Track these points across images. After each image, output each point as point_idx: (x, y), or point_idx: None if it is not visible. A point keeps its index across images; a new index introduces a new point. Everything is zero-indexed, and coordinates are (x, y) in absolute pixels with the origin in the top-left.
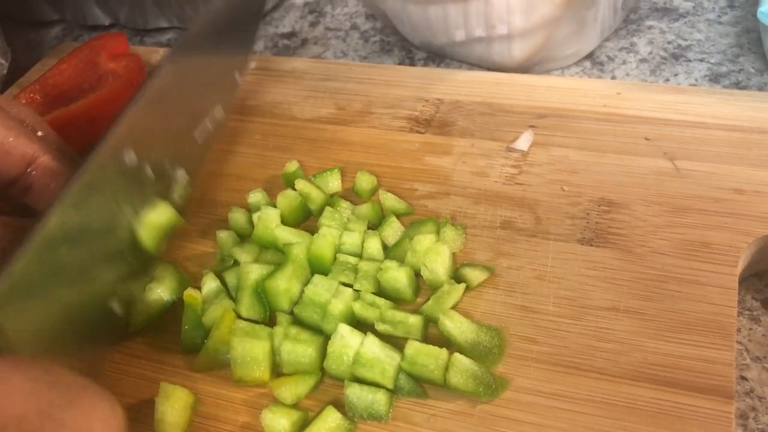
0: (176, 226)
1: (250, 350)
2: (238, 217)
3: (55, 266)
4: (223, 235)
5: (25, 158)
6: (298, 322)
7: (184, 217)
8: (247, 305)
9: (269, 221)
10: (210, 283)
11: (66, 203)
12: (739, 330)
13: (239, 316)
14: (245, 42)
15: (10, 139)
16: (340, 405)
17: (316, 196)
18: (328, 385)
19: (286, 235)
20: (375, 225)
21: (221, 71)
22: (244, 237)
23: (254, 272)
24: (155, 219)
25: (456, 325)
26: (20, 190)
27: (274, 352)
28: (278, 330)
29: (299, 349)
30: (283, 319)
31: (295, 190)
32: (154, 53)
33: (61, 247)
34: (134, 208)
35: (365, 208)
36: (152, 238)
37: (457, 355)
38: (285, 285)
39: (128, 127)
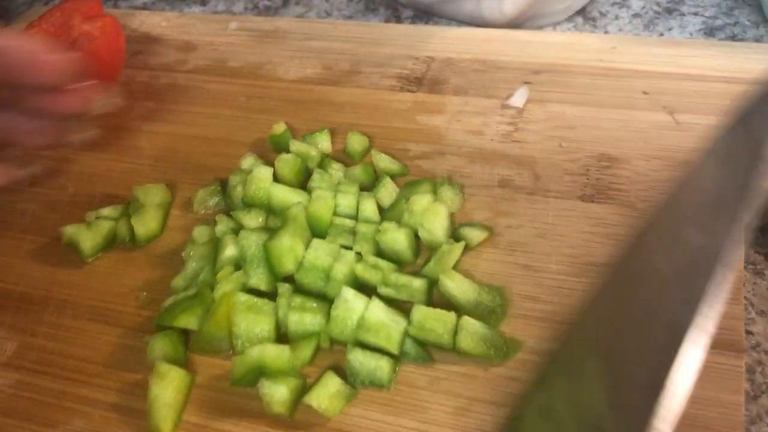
0: None
1: (253, 327)
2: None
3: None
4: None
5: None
6: (299, 290)
7: None
8: (256, 274)
9: (262, 180)
10: (224, 223)
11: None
12: (743, 284)
13: (247, 291)
14: None
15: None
16: (339, 370)
17: (315, 155)
18: (327, 351)
19: (282, 192)
20: (368, 187)
21: None
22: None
23: (255, 240)
24: None
25: (457, 285)
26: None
27: (279, 324)
28: (281, 301)
29: (307, 318)
30: (284, 289)
31: (288, 153)
32: (129, 16)
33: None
34: None
35: (358, 170)
36: None
37: (466, 318)
38: (289, 243)
39: None
